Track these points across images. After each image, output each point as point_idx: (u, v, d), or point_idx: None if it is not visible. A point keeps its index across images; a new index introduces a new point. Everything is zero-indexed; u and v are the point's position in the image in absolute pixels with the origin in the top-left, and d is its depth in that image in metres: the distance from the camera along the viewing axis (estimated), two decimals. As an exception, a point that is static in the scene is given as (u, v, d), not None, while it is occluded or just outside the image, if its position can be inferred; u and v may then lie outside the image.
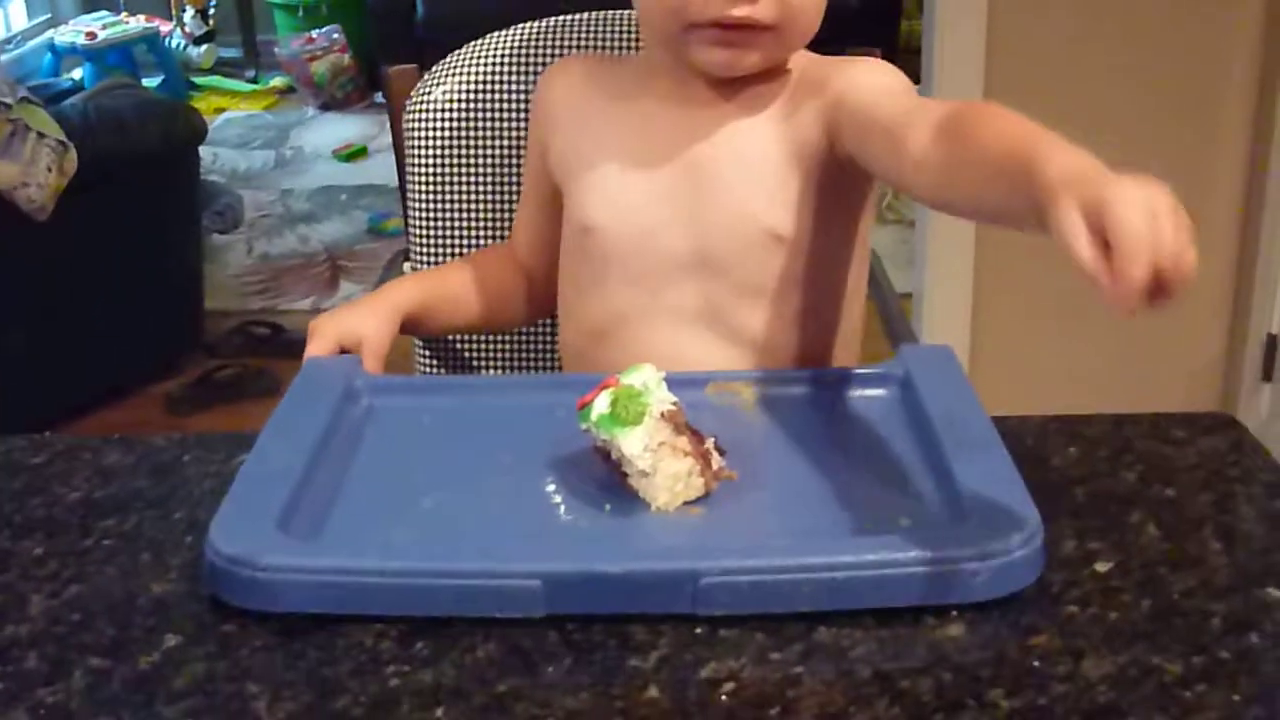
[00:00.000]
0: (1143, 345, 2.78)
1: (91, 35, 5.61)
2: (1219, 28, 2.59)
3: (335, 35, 5.76)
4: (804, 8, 1.10)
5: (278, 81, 5.96)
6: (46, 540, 0.93)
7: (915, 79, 2.89)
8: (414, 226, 1.42)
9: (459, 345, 1.44)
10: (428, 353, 1.43)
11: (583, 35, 1.40)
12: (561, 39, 1.40)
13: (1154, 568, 0.86)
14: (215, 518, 0.86)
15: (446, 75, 1.41)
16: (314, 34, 5.76)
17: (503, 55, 1.40)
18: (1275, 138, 2.59)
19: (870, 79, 1.12)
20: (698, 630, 0.80)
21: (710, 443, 0.92)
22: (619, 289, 1.17)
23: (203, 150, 3.53)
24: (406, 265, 1.44)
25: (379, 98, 5.60)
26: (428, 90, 1.40)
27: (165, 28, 5.94)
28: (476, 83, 1.40)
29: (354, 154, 5.09)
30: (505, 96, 1.39)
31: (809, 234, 1.15)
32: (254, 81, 6.05)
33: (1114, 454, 1.00)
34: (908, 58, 4.57)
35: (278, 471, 0.91)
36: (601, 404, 0.90)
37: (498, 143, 1.40)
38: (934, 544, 0.82)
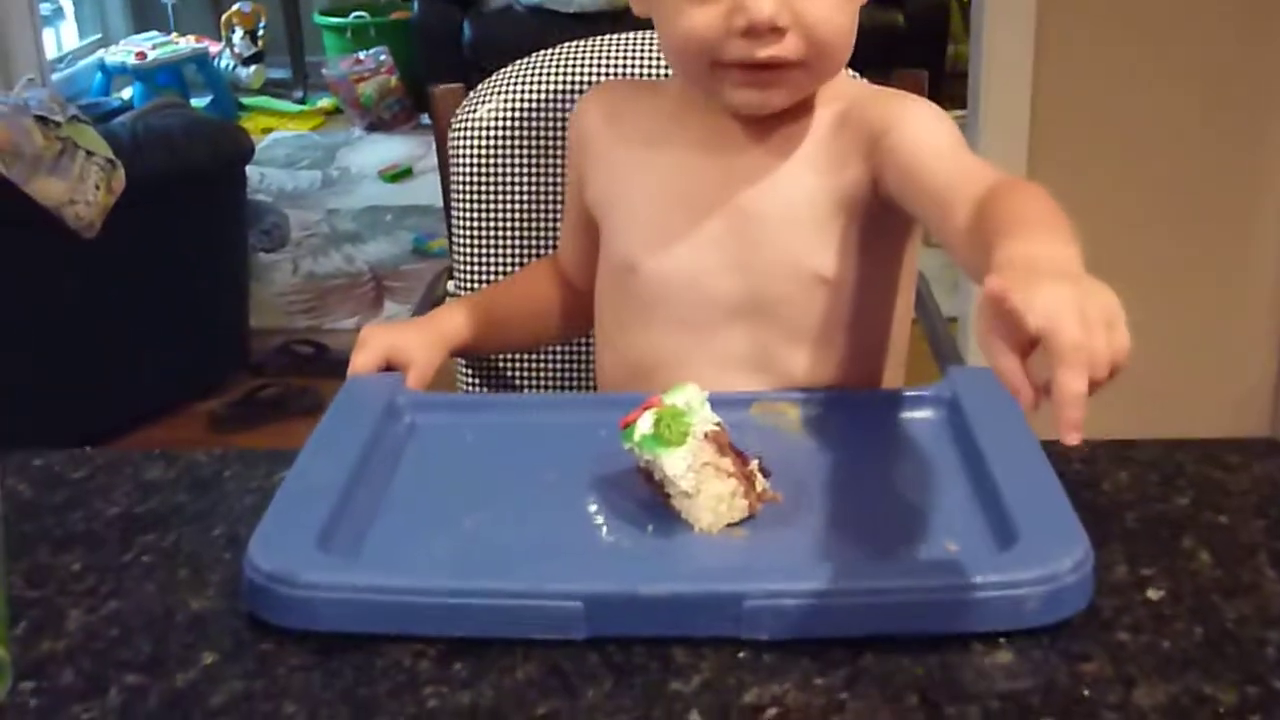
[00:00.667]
0: (1191, 368, 2.75)
1: (141, 55, 5.67)
2: (1270, 49, 2.57)
3: (383, 57, 5.79)
4: (832, 39, 1.07)
5: (325, 102, 6.00)
6: (86, 555, 0.92)
7: (961, 103, 2.90)
8: (457, 244, 1.41)
9: (501, 364, 1.43)
10: (470, 370, 1.43)
11: (625, 55, 1.40)
12: (605, 58, 1.39)
13: (1207, 595, 0.84)
14: (254, 534, 0.86)
15: (491, 94, 1.40)
16: (361, 55, 5.80)
17: (547, 74, 1.39)
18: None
19: (921, 133, 1.07)
20: (741, 654, 0.78)
21: (754, 464, 0.91)
22: (664, 331, 1.15)
23: (250, 170, 3.55)
24: (450, 283, 1.44)
25: (425, 119, 5.63)
26: (472, 109, 1.40)
27: (214, 48, 6.00)
28: (521, 102, 1.39)
29: (400, 175, 5.11)
30: (550, 115, 1.39)
31: (856, 274, 1.13)
32: (301, 102, 6.09)
33: (1165, 479, 0.98)
34: (954, 81, 4.56)
35: (318, 488, 0.91)
36: (645, 424, 0.89)
37: (542, 162, 1.40)
38: (982, 569, 0.80)
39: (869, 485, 0.94)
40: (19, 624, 0.84)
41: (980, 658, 0.78)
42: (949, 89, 5.21)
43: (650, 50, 1.39)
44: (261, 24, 6.12)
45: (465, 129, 1.39)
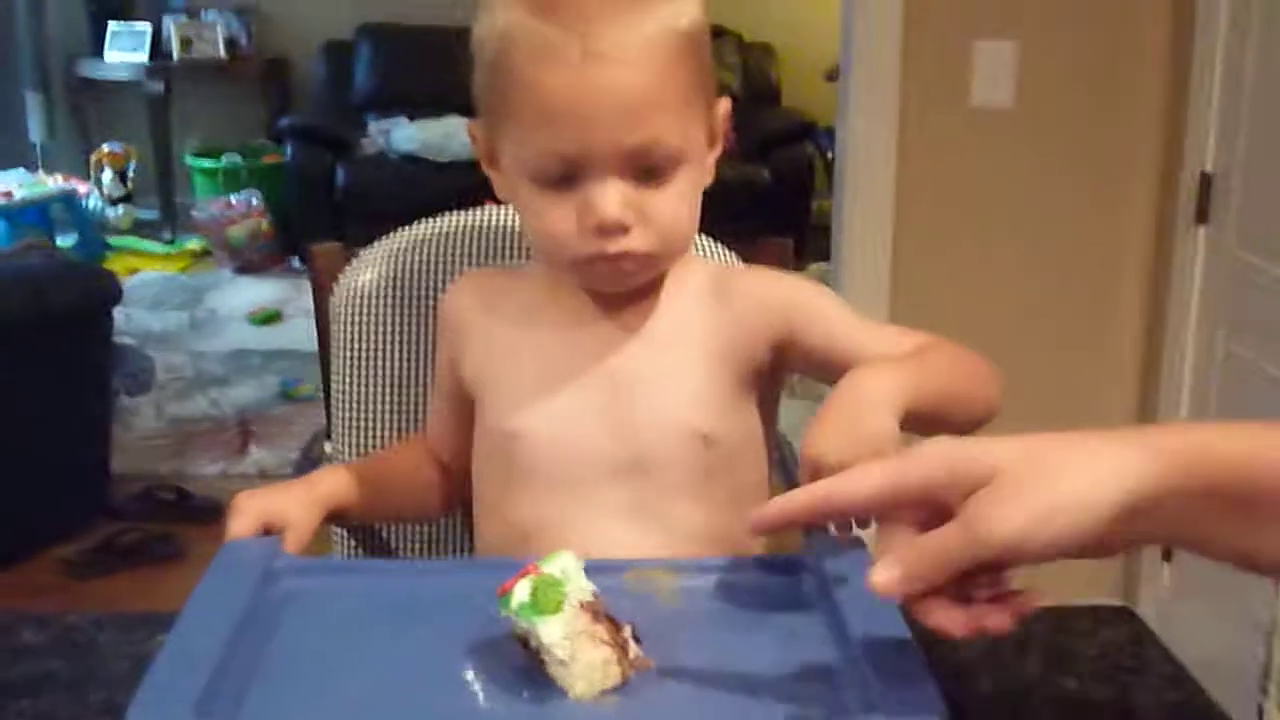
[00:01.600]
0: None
1: (8, 194, 5.61)
2: (1119, 174, 2.70)
3: (254, 200, 5.81)
4: (675, 230, 1.16)
5: (194, 244, 5.99)
6: (-44, 723, 0.92)
7: (825, 255, 2.98)
8: (336, 404, 1.42)
9: (377, 526, 1.44)
10: (346, 534, 1.43)
11: (502, 228, 1.43)
12: (489, 230, 1.43)
13: (1057, 759, 0.88)
14: (132, 702, 0.85)
15: (374, 262, 1.42)
16: (233, 199, 5.82)
17: (428, 245, 1.42)
18: (1167, 331, 2.68)
19: (825, 312, 1.20)
20: (613, 821, 0.80)
21: (628, 630, 0.93)
22: (546, 493, 1.19)
23: (116, 311, 3.53)
24: (327, 445, 1.45)
25: (295, 262, 5.64)
26: (354, 276, 1.42)
27: (83, 188, 5.97)
28: (401, 273, 1.42)
29: (268, 318, 5.10)
30: (428, 288, 1.42)
31: (731, 429, 1.20)
32: (170, 243, 6.07)
33: (1018, 644, 1.02)
34: (818, 234, 4.70)
35: (195, 655, 0.91)
36: (521, 592, 0.91)
37: (423, 330, 1.42)
38: (845, 736, 0.83)
39: (738, 650, 0.96)
40: (-113, 796, 0.83)
41: (843, 823, 0.81)
42: (812, 240, 5.37)
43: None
44: (131, 165, 6.11)
45: (346, 295, 1.41)
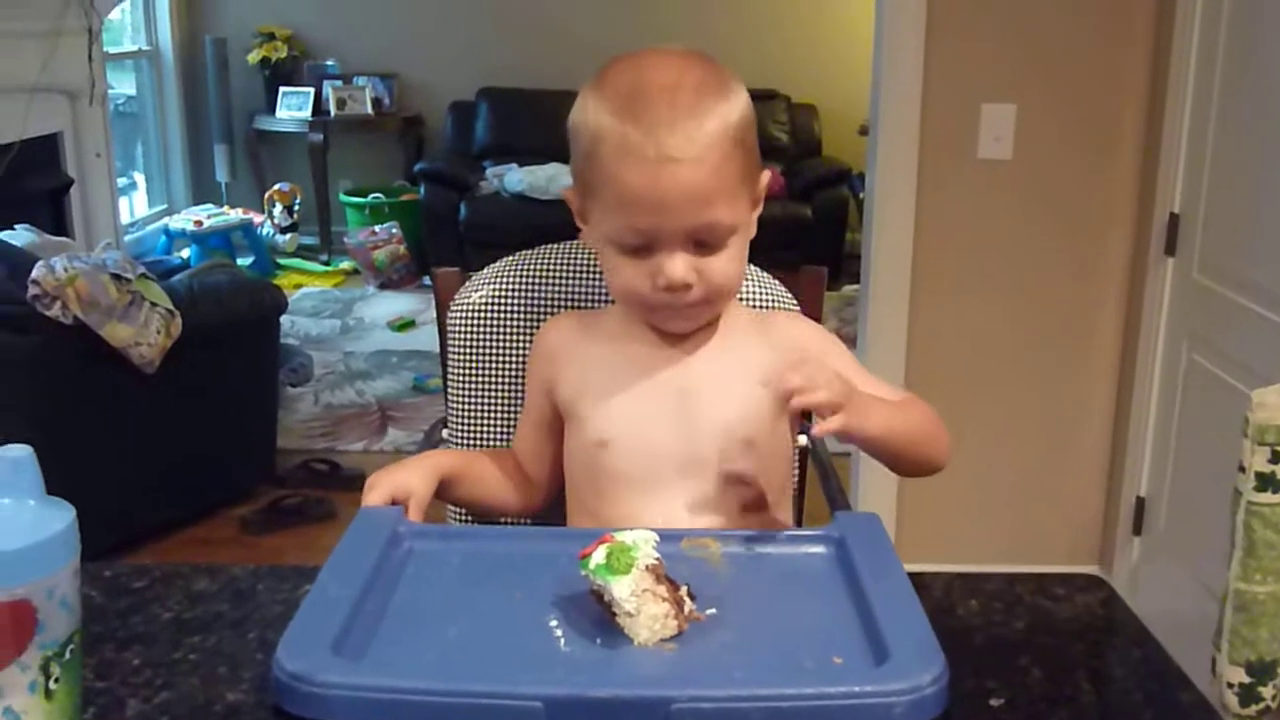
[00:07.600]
0: (1037, 505, 2.79)
1: (198, 223, 5.71)
2: (1101, 215, 2.66)
3: (393, 230, 5.86)
4: (728, 284, 1.17)
5: (345, 265, 6.05)
6: (143, 653, 0.93)
7: (856, 279, 2.96)
8: (453, 401, 1.41)
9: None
10: (458, 511, 1.42)
11: (589, 258, 1.41)
12: (578, 259, 1.41)
13: (1037, 704, 0.87)
14: (281, 639, 0.86)
15: (484, 283, 1.41)
16: (376, 228, 5.87)
17: (529, 271, 1.40)
18: (1140, 344, 2.63)
19: (834, 358, 1.20)
20: (668, 747, 0.79)
21: (684, 590, 0.92)
22: (627, 491, 1.19)
23: (283, 318, 3.57)
24: (445, 431, 1.44)
25: (427, 280, 5.68)
26: (468, 294, 1.41)
27: (258, 219, 6.05)
28: (507, 292, 1.40)
29: (404, 325, 5.14)
30: (529, 304, 1.41)
31: (767, 437, 1.20)
32: (326, 264, 6.14)
33: (1007, 607, 1.01)
34: (851, 261, 4.65)
35: (333, 602, 0.92)
36: (599, 555, 0.91)
37: (521, 340, 1.40)
38: (861, 681, 0.82)
39: (774, 608, 0.96)
40: (88, 710, 0.84)
41: (858, 753, 0.79)
42: (847, 268, 5.32)
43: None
44: (297, 201, 6.18)
45: (461, 310, 1.40)
